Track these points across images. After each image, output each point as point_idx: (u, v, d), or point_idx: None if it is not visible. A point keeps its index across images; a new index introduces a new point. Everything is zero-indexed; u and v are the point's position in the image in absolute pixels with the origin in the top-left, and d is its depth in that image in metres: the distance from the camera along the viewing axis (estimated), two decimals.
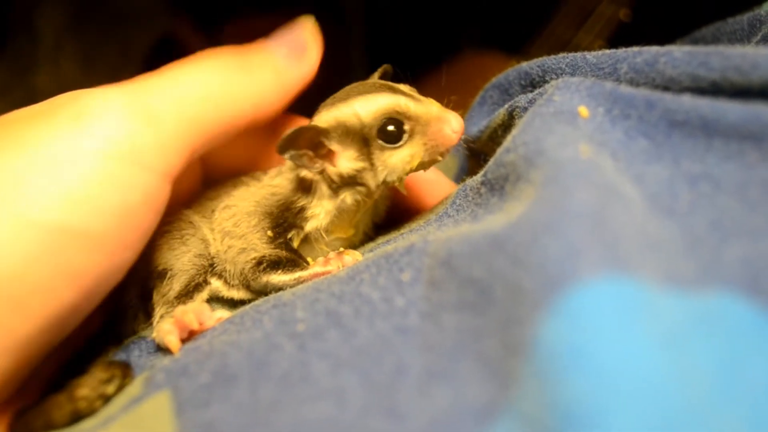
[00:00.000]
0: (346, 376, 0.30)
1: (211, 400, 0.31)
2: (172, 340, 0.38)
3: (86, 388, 0.35)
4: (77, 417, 0.35)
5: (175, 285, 0.42)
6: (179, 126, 0.36)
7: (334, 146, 0.42)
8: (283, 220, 0.43)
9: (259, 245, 0.42)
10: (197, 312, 0.39)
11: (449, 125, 0.41)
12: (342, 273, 0.38)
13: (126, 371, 0.37)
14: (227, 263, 0.43)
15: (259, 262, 0.42)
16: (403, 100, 0.41)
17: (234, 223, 0.43)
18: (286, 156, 0.41)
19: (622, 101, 0.35)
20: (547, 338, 0.24)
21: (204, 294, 0.43)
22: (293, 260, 0.42)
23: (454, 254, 0.31)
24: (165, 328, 0.38)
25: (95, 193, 0.34)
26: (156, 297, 0.42)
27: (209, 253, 0.44)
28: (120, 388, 0.36)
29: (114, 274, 0.36)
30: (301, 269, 0.41)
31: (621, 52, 0.38)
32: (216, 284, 0.44)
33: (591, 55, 0.40)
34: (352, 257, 0.41)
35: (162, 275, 0.43)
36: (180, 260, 0.43)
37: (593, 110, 0.35)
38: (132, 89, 0.36)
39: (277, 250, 0.42)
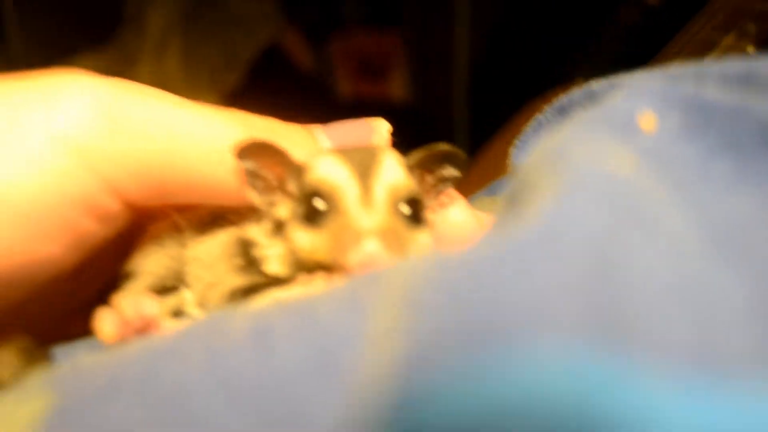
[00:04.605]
0: (231, 416, 0.22)
1: (86, 418, 0.25)
2: (106, 329, 0.32)
3: None
4: None
5: (137, 287, 0.37)
6: (143, 161, 0.33)
7: (291, 186, 0.35)
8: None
9: (227, 277, 0.36)
10: (136, 303, 0.33)
11: (357, 250, 0.31)
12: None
13: (32, 358, 0.31)
14: (194, 289, 0.37)
15: (231, 293, 0.35)
16: (354, 189, 0.32)
17: (206, 250, 0.38)
18: (244, 162, 0.34)
19: (703, 110, 0.26)
20: None
21: (173, 300, 0.37)
22: (270, 283, 0.35)
23: (419, 277, 0.23)
24: (103, 316, 0.32)
25: (30, 167, 0.31)
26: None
27: (184, 254, 0.38)
28: (16, 374, 0.30)
29: (34, 264, 0.32)
30: (280, 289, 0.34)
31: (709, 63, 0.30)
32: (187, 295, 0.38)
33: (674, 68, 0.32)
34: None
35: (127, 277, 0.38)
36: (150, 261, 0.38)
37: (662, 119, 0.27)
38: (125, 97, 0.33)
39: (249, 276, 0.36)
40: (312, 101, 1.30)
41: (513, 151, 0.42)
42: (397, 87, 1.42)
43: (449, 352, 0.18)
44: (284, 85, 1.31)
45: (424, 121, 1.32)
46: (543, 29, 1.12)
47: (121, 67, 1.24)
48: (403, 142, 0.39)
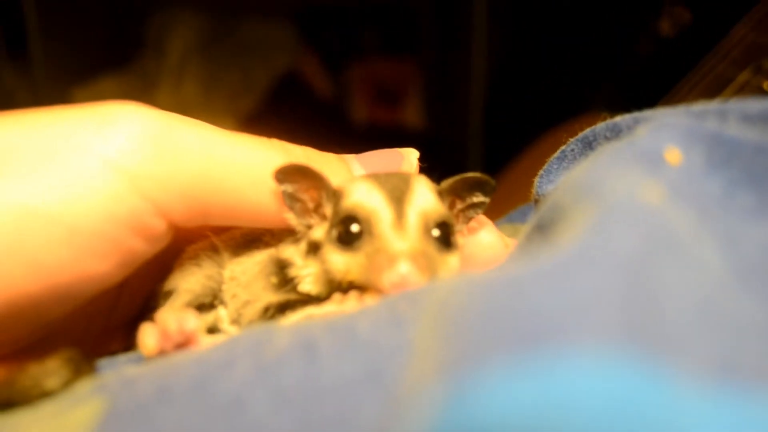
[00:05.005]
0: (282, 423, 0.24)
1: (137, 423, 0.26)
2: (148, 342, 0.33)
3: (27, 375, 0.31)
4: (10, 403, 0.31)
5: (176, 304, 0.39)
6: (187, 189, 0.34)
7: (327, 209, 0.37)
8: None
9: (263, 294, 0.37)
10: (179, 318, 0.34)
11: (391, 271, 0.32)
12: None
13: (79, 368, 0.32)
14: (230, 307, 0.39)
15: (265, 309, 0.37)
16: (388, 213, 0.34)
17: (242, 270, 0.39)
18: (282, 186, 0.36)
19: (726, 146, 0.28)
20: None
21: (209, 317, 0.39)
22: (304, 300, 0.37)
23: (453, 295, 0.25)
24: (146, 329, 0.34)
25: (84, 190, 0.32)
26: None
27: (221, 273, 0.40)
28: (66, 384, 0.31)
29: (83, 280, 0.34)
30: (314, 307, 0.36)
31: (730, 102, 0.31)
32: (222, 312, 0.39)
33: (695, 106, 0.33)
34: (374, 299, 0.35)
35: (166, 296, 0.39)
36: (188, 280, 0.39)
37: (687, 153, 0.28)
38: (172, 126, 0.34)
39: (283, 295, 0.37)
40: (328, 127, 1.32)
41: (537, 181, 0.43)
42: (412, 114, 1.44)
43: (493, 356, 0.19)
44: (301, 110, 1.33)
45: (437, 148, 1.33)
46: (559, 59, 1.13)
47: (141, 90, 1.26)
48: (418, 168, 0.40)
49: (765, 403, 0.18)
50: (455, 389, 0.19)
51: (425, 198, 0.35)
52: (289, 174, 0.35)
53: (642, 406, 0.18)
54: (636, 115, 0.36)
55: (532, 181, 0.43)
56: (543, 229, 0.30)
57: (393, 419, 0.22)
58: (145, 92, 1.27)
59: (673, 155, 0.28)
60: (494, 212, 0.62)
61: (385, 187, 0.35)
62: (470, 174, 0.37)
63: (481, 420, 0.19)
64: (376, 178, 0.36)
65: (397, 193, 0.35)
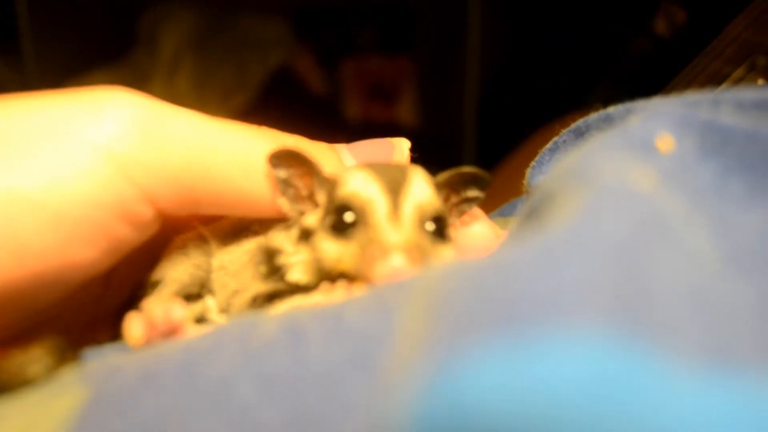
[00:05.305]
0: (269, 408, 0.23)
1: (121, 409, 0.26)
2: (134, 332, 0.33)
3: (10, 363, 0.30)
4: None
5: (163, 293, 0.38)
6: (179, 175, 0.34)
7: (320, 196, 0.36)
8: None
9: (252, 284, 0.37)
10: (165, 308, 0.34)
11: (384, 263, 0.32)
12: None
13: (63, 356, 0.32)
14: (218, 297, 0.39)
15: (253, 299, 0.37)
16: (384, 204, 0.34)
17: (231, 259, 0.39)
18: (276, 170, 0.35)
19: (719, 133, 0.28)
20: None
21: (197, 307, 0.38)
22: (292, 290, 0.36)
23: (441, 280, 0.24)
24: (131, 319, 0.33)
25: (71, 175, 0.32)
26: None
27: (209, 263, 0.39)
28: (49, 372, 0.31)
29: (69, 267, 0.33)
30: (301, 296, 0.35)
31: (724, 91, 0.31)
32: (210, 302, 0.39)
33: (689, 96, 0.33)
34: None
35: (154, 285, 0.39)
36: (176, 269, 0.39)
37: (679, 141, 0.28)
38: (163, 112, 0.34)
39: (272, 284, 0.37)
40: (321, 123, 1.32)
41: (529, 172, 0.43)
42: (406, 112, 1.44)
43: (479, 336, 0.19)
44: (294, 106, 1.33)
45: (431, 145, 1.33)
46: (554, 58, 1.14)
47: (133, 85, 1.26)
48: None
49: (759, 384, 0.18)
50: (440, 369, 0.19)
51: (422, 191, 0.35)
52: (283, 159, 0.35)
53: (633, 388, 0.17)
54: (628, 105, 0.36)
55: (525, 175, 0.43)
56: (533, 216, 0.30)
57: (379, 402, 0.22)
58: (137, 87, 1.26)
59: (665, 142, 0.28)
60: (487, 208, 0.62)
61: (382, 178, 0.35)
62: (466, 168, 0.37)
63: (465, 400, 0.18)
64: (374, 168, 0.36)
65: (394, 184, 0.35)
